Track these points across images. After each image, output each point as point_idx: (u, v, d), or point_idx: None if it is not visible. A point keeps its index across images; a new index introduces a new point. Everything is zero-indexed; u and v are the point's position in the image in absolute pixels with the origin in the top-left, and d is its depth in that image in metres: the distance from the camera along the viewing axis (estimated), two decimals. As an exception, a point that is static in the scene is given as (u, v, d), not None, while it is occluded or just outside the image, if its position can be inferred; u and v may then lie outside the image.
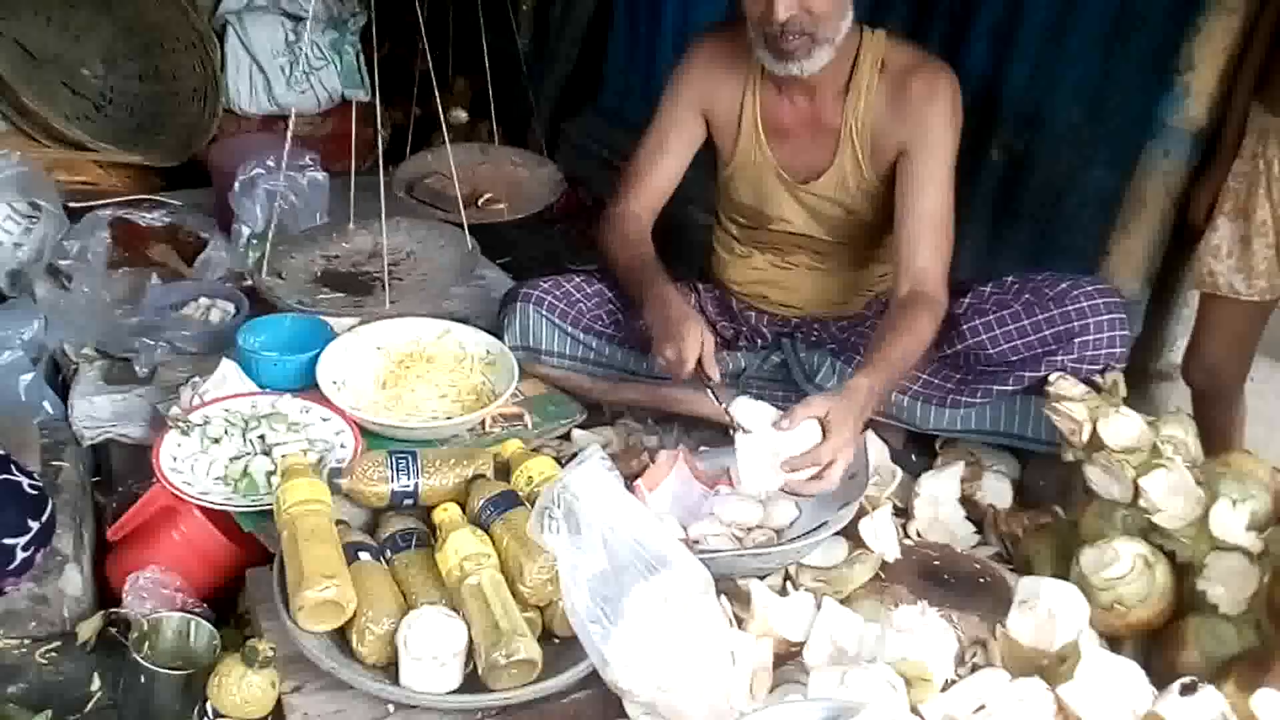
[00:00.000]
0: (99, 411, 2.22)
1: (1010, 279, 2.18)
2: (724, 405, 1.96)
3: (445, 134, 2.55)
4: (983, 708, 1.53)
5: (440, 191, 2.91)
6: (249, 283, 2.60)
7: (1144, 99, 2.18)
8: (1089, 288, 2.07)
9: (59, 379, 2.38)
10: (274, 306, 2.52)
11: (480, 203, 2.79)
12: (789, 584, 1.87)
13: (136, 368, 2.32)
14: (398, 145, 3.49)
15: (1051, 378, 2.01)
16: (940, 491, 2.13)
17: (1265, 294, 2.19)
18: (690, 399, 2.36)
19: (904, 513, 2.11)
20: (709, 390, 2.04)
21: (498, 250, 3.08)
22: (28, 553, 1.71)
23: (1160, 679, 1.59)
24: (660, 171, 2.34)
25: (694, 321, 2.07)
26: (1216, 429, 2.18)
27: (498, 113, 3.47)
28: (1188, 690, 1.53)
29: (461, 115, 3.95)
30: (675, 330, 2.05)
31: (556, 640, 1.71)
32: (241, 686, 1.61)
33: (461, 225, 2.48)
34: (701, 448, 2.25)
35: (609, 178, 3.76)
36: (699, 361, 2.03)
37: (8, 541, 1.69)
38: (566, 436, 2.32)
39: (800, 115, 2.22)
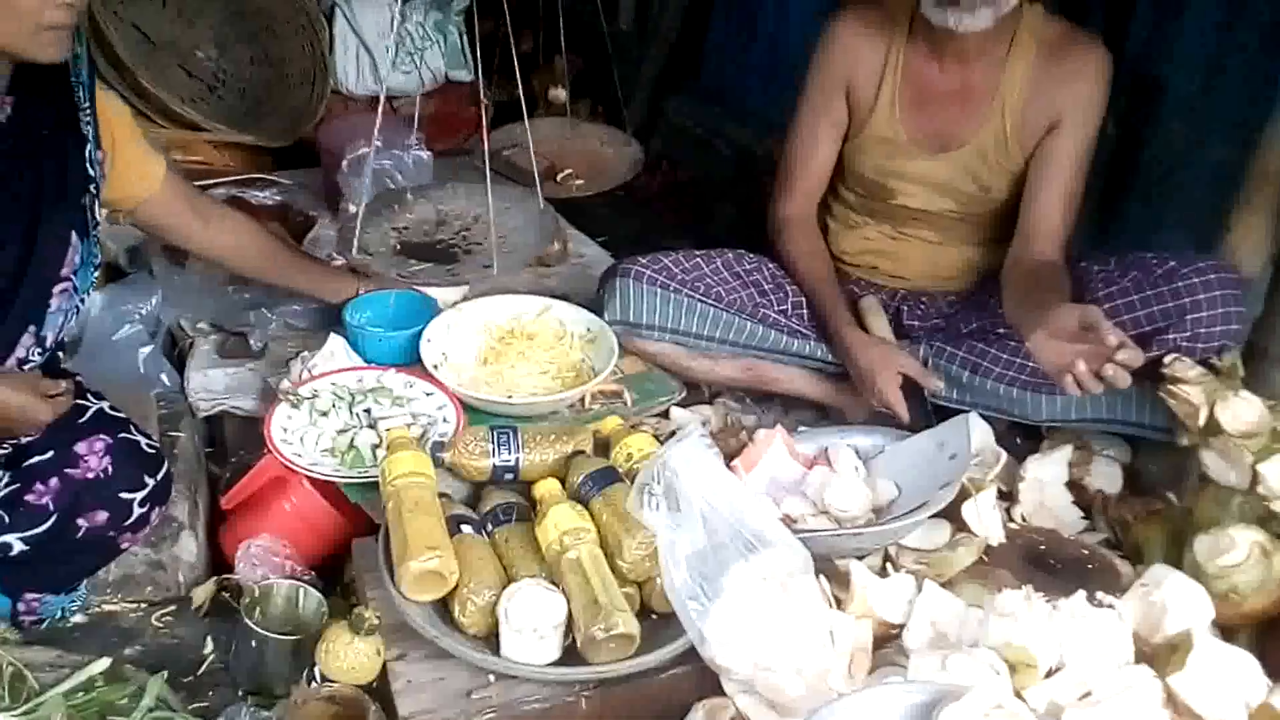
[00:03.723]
0: (213, 384, 2.28)
1: (1115, 258, 2.14)
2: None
3: (523, 109, 2.55)
4: (1088, 695, 1.50)
5: (516, 164, 2.92)
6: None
7: (1263, 67, 2.10)
8: (1200, 263, 2.00)
9: (175, 353, 2.45)
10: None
11: (559, 178, 2.80)
12: (889, 565, 1.85)
13: (251, 342, 2.37)
14: (503, 124, 3.51)
15: (1167, 359, 1.95)
16: (1046, 475, 2.08)
17: None
18: (789, 378, 2.36)
19: (1009, 497, 2.06)
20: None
21: (595, 228, 3.09)
22: (144, 509, 1.77)
23: (1275, 670, 1.54)
24: (816, 163, 2.36)
25: (880, 367, 2.15)
26: None
27: (598, 91, 3.47)
28: (1304, 682, 1.49)
29: (561, 94, 3.97)
30: (868, 382, 2.16)
31: (654, 616, 1.71)
32: (348, 653, 1.64)
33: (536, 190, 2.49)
34: (800, 427, 2.24)
35: (706, 156, 3.78)
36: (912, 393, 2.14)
37: (125, 496, 1.75)
38: (665, 414, 2.32)
39: (950, 82, 2.19)
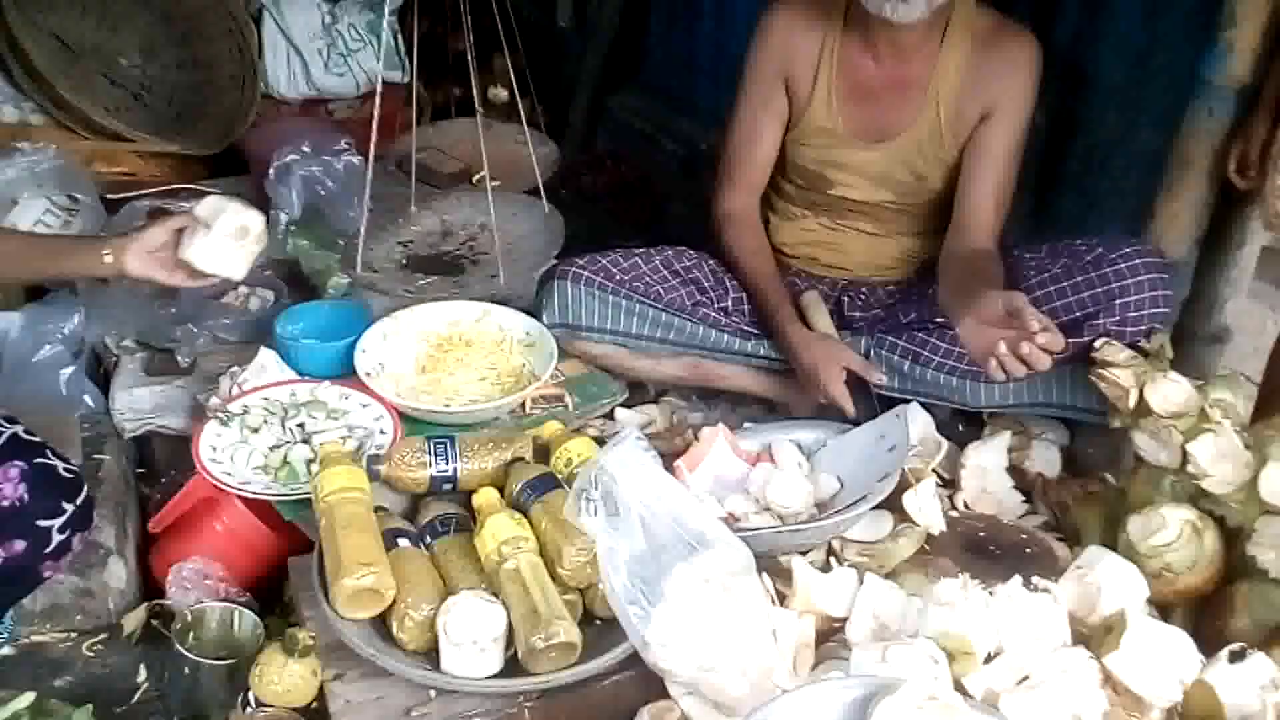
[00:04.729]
0: (140, 403, 2.23)
1: (1047, 245, 2.17)
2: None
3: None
4: (1026, 679, 1.51)
5: (430, 167, 2.87)
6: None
7: (1188, 57, 2.12)
8: (1126, 249, 2.03)
9: (100, 372, 2.38)
10: (313, 293, 2.52)
11: (474, 179, 2.77)
12: (833, 559, 1.85)
13: (179, 358, 2.32)
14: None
15: (1097, 343, 1.97)
16: (987, 462, 2.10)
17: None
18: (734, 375, 2.35)
19: (951, 484, 2.08)
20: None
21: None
22: (64, 535, 1.71)
23: (1209, 646, 1.56)
24: (759, 156, 2.35)
25: (823, 363, 2.16)
26: None
27: (540, 90, 3.43)
28: (1236, 657, 1.51)
29: (502, 94, 3.92)
30: (813, 379, 2.17)
31: (598, 622, 1.70)
32: (283, 676, 1.62)
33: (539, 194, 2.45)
34: (745, 424, 2.23)
35: (651, 153, 3.76)
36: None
37: (43, 523, 1.69)
38: (610, 416, 2.31)
39: (885, 74, 2.20)
